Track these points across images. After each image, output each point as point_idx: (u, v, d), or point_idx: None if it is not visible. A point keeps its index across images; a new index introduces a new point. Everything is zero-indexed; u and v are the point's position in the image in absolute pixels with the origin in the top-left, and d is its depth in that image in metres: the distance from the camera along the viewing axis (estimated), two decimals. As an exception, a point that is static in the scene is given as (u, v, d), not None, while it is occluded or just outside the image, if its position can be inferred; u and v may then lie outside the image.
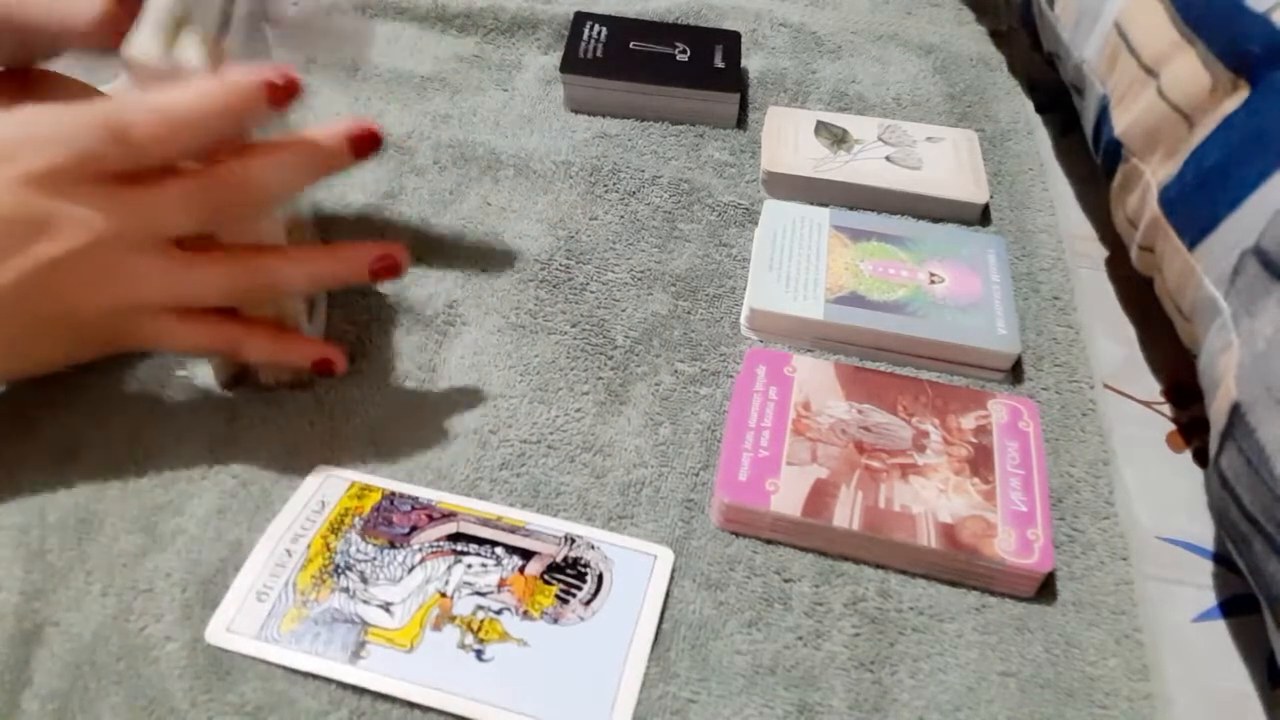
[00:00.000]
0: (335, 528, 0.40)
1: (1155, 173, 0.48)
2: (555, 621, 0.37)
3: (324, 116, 0.61)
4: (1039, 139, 0.64)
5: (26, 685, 0.35)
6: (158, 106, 0.37)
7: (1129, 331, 0.54)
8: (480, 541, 0.40)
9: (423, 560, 0.39)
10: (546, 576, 0.39)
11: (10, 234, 0.36)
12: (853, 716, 0.36)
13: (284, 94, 0.38)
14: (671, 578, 0.39)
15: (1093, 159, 0.56)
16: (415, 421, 0.45)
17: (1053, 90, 0.67)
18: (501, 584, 0.38)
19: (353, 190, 0.56)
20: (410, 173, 0.58)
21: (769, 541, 0.41)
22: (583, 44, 0.64)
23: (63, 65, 0.46)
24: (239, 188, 0.39)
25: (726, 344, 0.49)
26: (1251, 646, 0.41)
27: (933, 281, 0.51)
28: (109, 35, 0.41)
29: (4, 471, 0.41)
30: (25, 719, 0.34)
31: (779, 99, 0.65)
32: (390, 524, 0.40)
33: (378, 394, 0.46)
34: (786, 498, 0.41)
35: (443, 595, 0.38)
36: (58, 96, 0.39)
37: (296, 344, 0.45)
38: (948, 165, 0.59)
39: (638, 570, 0.39)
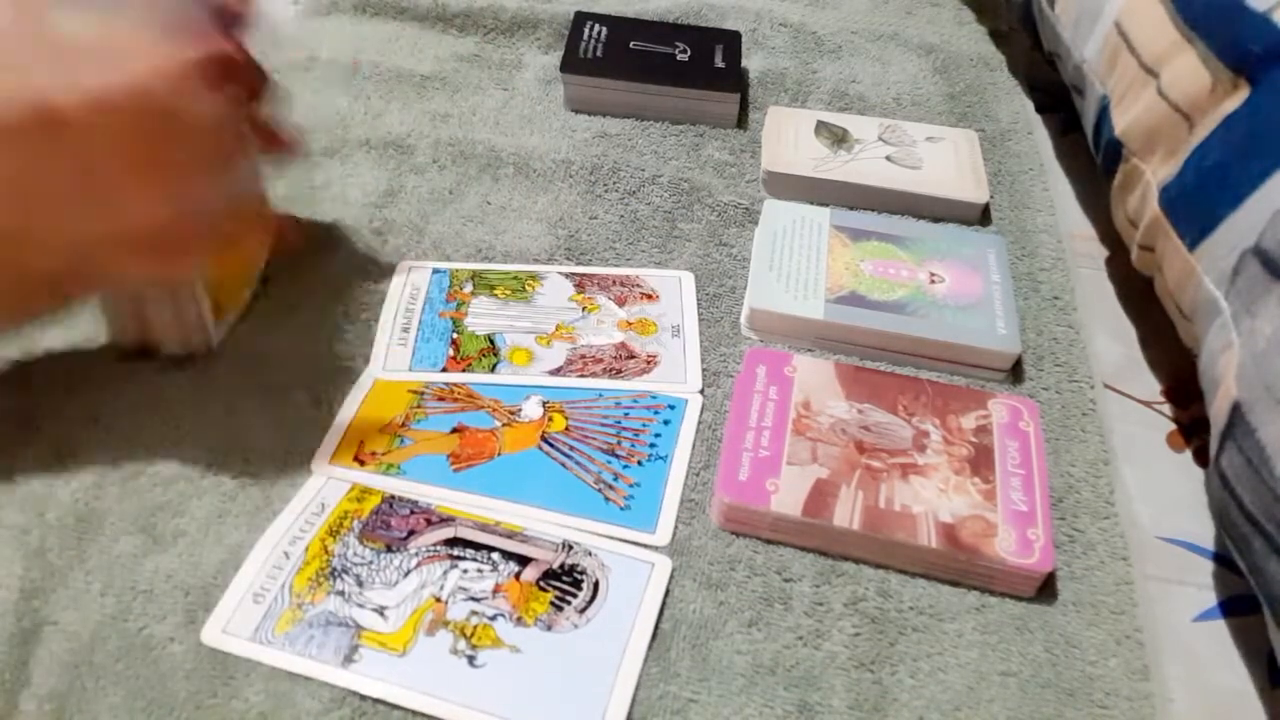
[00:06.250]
0: (334, 530, 0.40)
1: (1155, 172, 0.48)
2: (549, 629, 0.37)
3: (325, 115, 0.61)
4: (1039, 139, 0.64)
5: (25, 685, 0.35)
6: None
7: (1129, 331, 0.54)
8: (477, 547, 0.40)
9: (419, 565, 0.39)
10: (542, 583, 0.39)
11: None
12: (853, 716, 0.36)
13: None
14: (669, 583, 0.39)
15: (1093, 159, 0.56)
16: (415, 421, 0.45)
17: (1053, 90, 0.67)
18: (496, 590, 0.38)
19: (352, 189, 0.56)
20: (410, 171, 0.58)
21: (769, 541, 0.41)
22: (583, 43, 0.64)
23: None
24: None
25: (726, 344, 0.49)
26: (1251, 646, 0.41)
27: (933, 281, 0.51)
28: None
29: (4, 471, 0.41)
30: (23, 719, 0.34)
31: (779, 99, 0.65)
32: (389, 528, 0.40)
33: (377, 394, 0.46)
34: (787, 497, 0.41)
35: (437, 600, 0.38)
36: None
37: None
38: (948, 165, 0.59)
39: (634, 578, 0.39)
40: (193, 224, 0.42)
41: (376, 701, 0.35)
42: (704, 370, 0.48)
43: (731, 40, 0.66)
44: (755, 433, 0.43)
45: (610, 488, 0.42)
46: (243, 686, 0.35)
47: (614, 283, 0.51)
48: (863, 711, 0.36)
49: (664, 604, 0.39)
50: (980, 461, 0.43)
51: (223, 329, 0.47)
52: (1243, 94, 0.44)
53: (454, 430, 0.44)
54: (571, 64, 0.62)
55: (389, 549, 0.39)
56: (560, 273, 0.52)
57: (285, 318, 0.48)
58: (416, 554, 0.39)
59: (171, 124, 0.40)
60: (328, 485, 0.42)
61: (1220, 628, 0.41)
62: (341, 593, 0.38)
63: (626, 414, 0.45)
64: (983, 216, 0.57)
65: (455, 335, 0.48)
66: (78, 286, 0.42)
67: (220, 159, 0.42)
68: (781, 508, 0.40)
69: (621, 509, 0.41)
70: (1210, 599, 0.42)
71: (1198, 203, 0.44)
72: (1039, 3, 0.62)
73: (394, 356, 0.47)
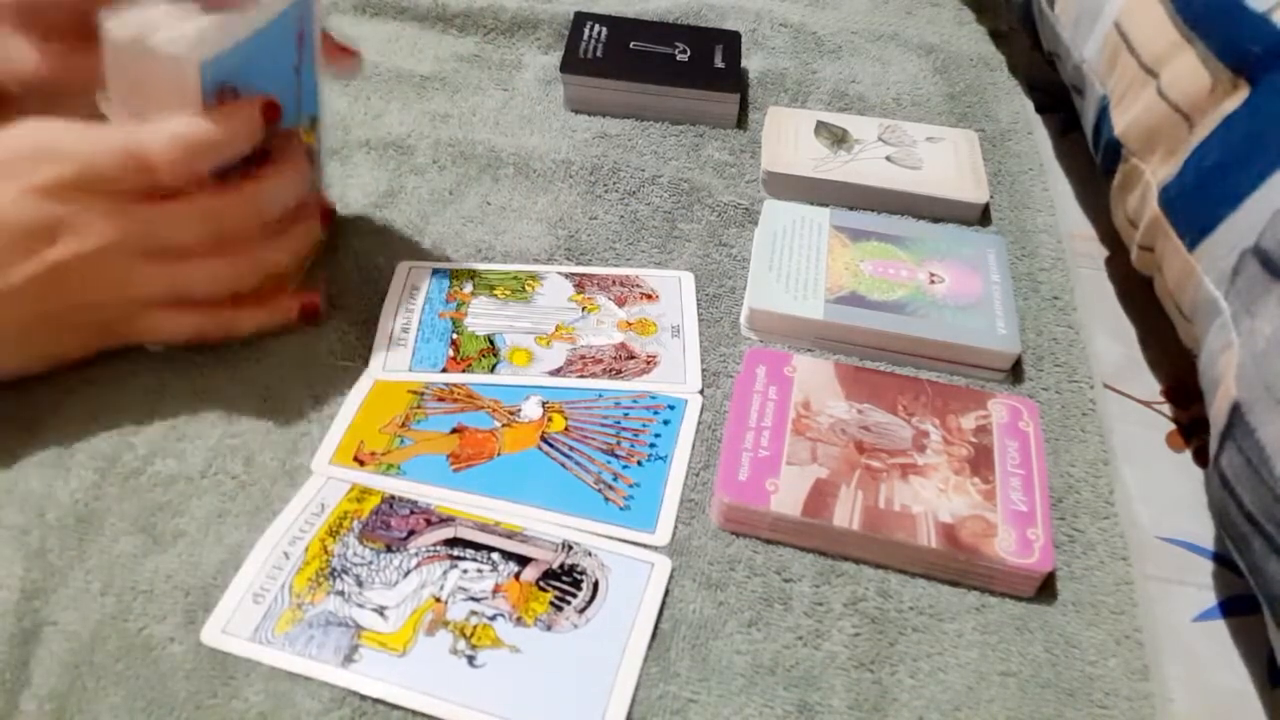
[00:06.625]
0: (334, 530, 0.40)
1: (1155, 172, 0.48)
2: (549, 629, 0.37)
3: (325, 115, 0.61)
4: (1039, 139, 0.64)
5: (25, 685, 0.35)
6: (177, 136, 0.39)
7: (1129, 331, 0.54)
8: (477, 547, 0.40)
9: (419, 565, 0.39)
10: (542, 583, 0.39)
11: (20, 240, 0.38)
12: (853, 716, 0.36)
13: (275, 112, 0.42)
14: (669, 583, 0.39)
15: (1093, 159, 0.56)
16: (415, 421, 0.45)
17: (1053, 90, 0.67)
18: (496, 590, 0.38)
19: (352, 189, 0.56)
20: (410, 172, 0.58)
21: (769, 541, 0.41)
22: (583, 44, 0.64)
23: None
24: (244, 210, 0.42)
25: (726, 344, 0.49)
26: (1251, 646, 0.41)
27: (933, 281, 0.51)
28: (49, 92, 0.42)
29: (4, 471, 0.41)
30: (23, 719, 0.34)
31: (779, 99, 0.65)
32: (388, 528, 0.40)
33: (377, 394, 0.46)
34: (786, 497, 0.41)
35: (437, 600, 0.38)
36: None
37: (281, 306, 0.46)
38: (948, 165, 0.59)
39: (634, 578, 0.39)
40: (251, 283, 0.44)
41: (376, 701, 0.35)
42: (704, 370, 0.48)
43: (731, 40, 0.66)
44: (755, 433, 0.43)
45: (610, 488, 0.42)
46: (243, 686, 0.35)
47: (614, 283, 0.51)
48: (862, 711, 0.36)
49: (664, 604, 0.39)
50: (980, 461, 0.43)
51: None
52: (1242, 94, 0.44)
53: (454, 430, 0.44)
54: (571, 64, 0.62)
55: (389, 549, 0.39)
56: (560, 273, 0.52)
57: (285, 318, 0.48)
58: (416, 554, 0.39)
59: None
60: (328, 485, 0.42)
61: (1220, 628, 0.41)
62: (341, 593, 0.38)
63: (626, 414, 0.45)
64: (983, 216, 0.57)
65: (455, 335, 0.48)
66: (120, 336, 0.44)
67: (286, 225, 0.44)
68: (781, 508, 0.40)
69: (621, 509, 0.41)
70: (1210, 599, 0.42)
71: (1198, 203, 0.44)
72: (1039, 3, 0.62)
73: (394, 357, 0.47)
